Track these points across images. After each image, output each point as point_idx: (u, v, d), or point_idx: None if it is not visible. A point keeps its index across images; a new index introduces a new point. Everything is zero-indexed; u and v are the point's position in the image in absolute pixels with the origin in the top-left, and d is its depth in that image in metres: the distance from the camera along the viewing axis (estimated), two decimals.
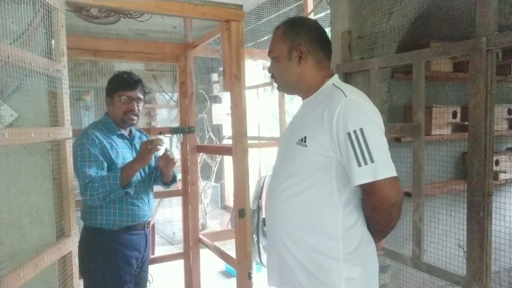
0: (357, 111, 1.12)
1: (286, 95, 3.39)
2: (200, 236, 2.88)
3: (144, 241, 1.94)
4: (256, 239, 3.01)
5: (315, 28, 1.29)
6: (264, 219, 3.02)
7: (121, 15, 2.49)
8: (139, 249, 1.92)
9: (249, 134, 2.23)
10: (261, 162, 5.34)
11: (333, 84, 1.24)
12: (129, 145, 1.97)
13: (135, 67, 4.68)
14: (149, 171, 2.02)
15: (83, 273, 1.83)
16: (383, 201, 1.09)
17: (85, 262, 1.80)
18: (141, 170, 1.94)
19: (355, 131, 1.08)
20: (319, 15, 3.43)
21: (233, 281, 3.47)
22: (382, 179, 1.07)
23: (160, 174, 2.06)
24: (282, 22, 1.33)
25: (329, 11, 2.50)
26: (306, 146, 1.18)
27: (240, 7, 2.14)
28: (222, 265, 3.96)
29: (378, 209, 1.12)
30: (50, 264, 1.45)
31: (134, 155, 1.93)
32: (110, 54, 2.52)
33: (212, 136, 5.29)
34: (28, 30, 1.47)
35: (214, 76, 5.63)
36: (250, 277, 2.20)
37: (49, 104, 1.55)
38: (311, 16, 3.04)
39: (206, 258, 3.12)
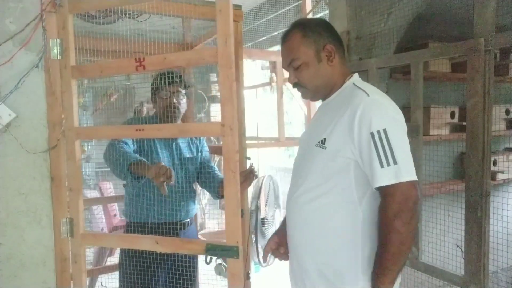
0: (380, 111, 1.10)
1: (284, 95, 3.39)
2: (199, 236, 2.88)
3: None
4: (254, 239, 3.01)
5: (330, 26, 1.28)
6: (262, 219, 3.02)
7: (119, 15, 2.49)
8: None
9: (247, 134, 2.23)
10: (260, 162, 5.33)
11: (354, 84, 1.21)
12: (169, 142, 1.91)
13: None
14: (192, 172, 1.97)
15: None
16: (403, 204, 1.04)
17: (127, 256, 1.76)
18: (182, 168, 1.90)
19: (378, 131, 1.06)
20: (318, 15, 3.43)
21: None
22: (405, 182, 1.05)
23: (219, 186, 1.96)
24: (291, 28, 1.27)
25: (327, 12, 2.51)
26: (325, 148, 1.15)
27: (238, 7, 2.14)
28: None
29: (400, 213, 1.04)
30: (48, 264, 1.45)
31: (173, 153, 1.90)
32: (109, 54, 2.51)
33: (211, 136, 5.27)
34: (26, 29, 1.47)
35: (213, 76, 5.62)
36: (248, 277, 2.20)
37: (47, 104, 1.54)
38: (310, 17, 3.04)
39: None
